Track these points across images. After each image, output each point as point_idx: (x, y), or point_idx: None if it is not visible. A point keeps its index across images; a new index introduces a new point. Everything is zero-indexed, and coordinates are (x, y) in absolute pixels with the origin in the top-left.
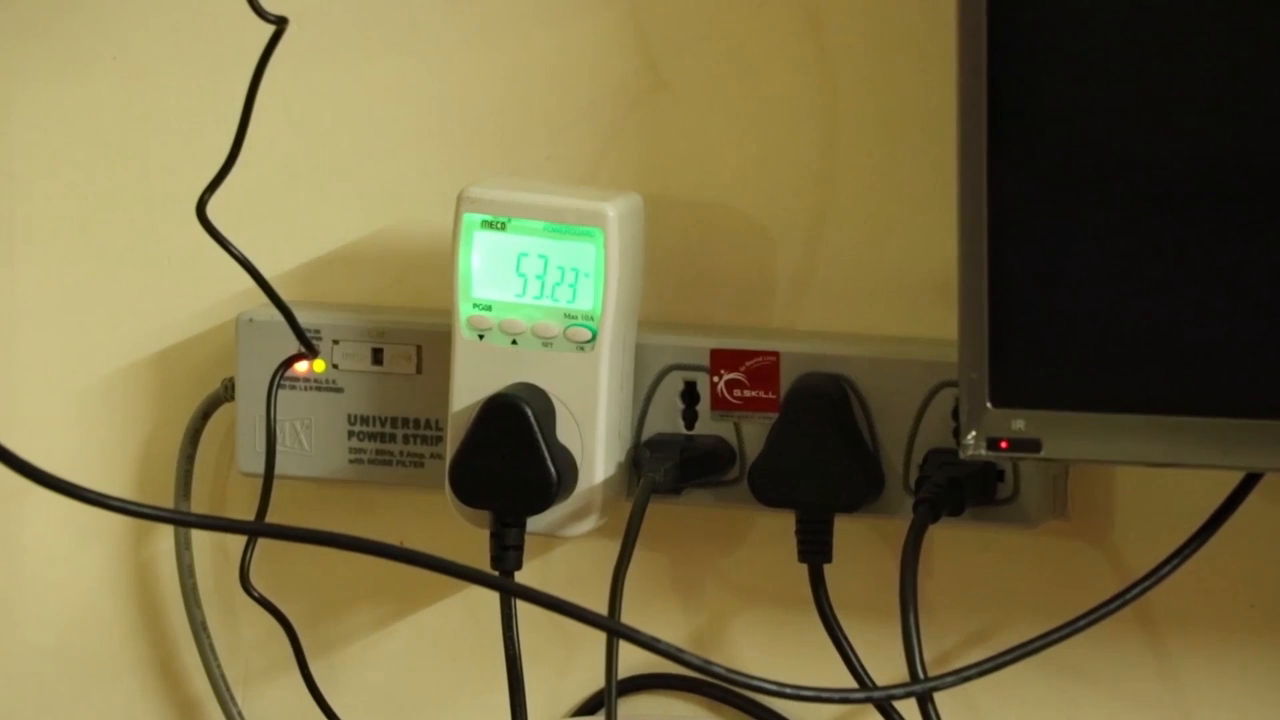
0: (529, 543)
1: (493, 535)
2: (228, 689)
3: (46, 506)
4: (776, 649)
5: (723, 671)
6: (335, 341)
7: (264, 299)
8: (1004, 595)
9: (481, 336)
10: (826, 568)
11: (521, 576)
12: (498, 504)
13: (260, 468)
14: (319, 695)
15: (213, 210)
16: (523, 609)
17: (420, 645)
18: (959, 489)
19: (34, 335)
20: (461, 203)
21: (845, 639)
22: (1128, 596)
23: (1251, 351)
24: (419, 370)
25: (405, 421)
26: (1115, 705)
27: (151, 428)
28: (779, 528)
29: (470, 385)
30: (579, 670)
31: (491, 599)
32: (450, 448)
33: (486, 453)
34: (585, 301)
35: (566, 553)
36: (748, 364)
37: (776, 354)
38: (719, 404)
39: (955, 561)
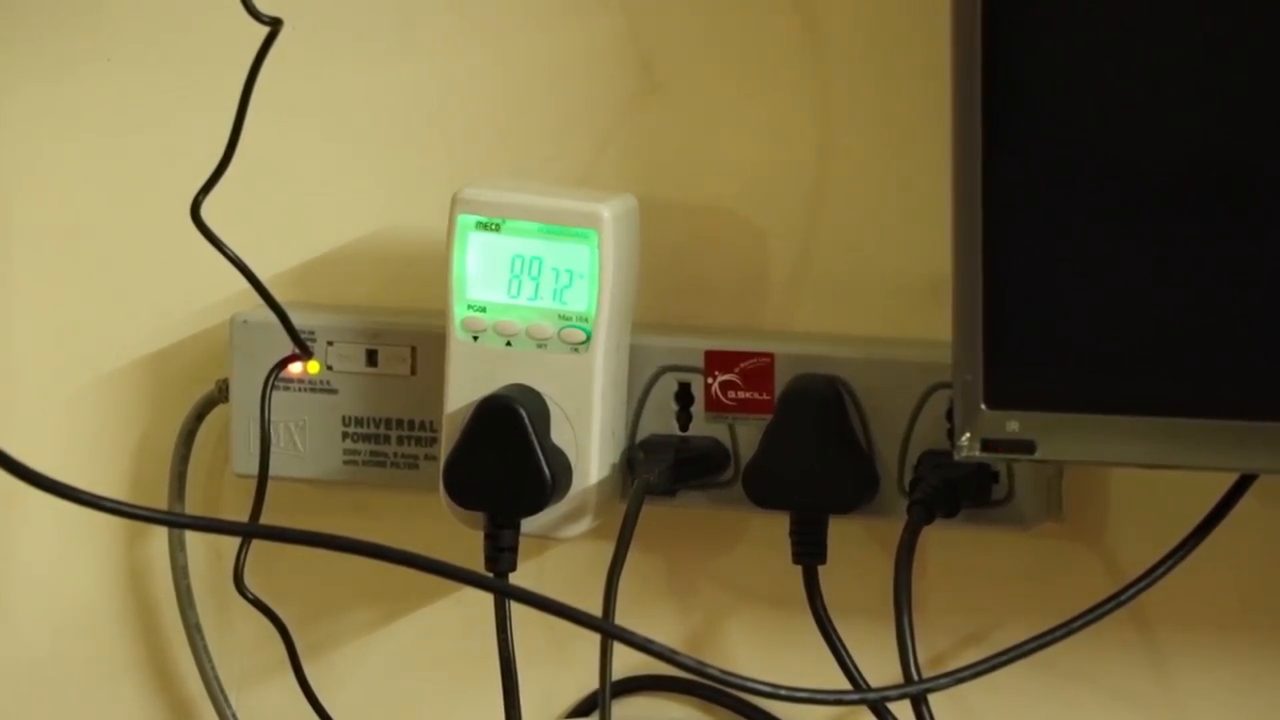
0: (523, 544)
1: (487, 537)
2: (221, 690)
3: (40, 508)
4: (771, 650)
5: (717, 673)
6: (330, 343)
7: (258, 300)
8: (998, 596)
9: (476, 338)
10: (821, 569)
11: (516, 578)
12: (492, 505)
13: (254, 469)
14: (313, 696)
15: (207, 211)
16: (517, 610)
17: (414, 647)
18: (953, 490)
19: (28, 336)
20: (456, 204)
21: (839, 640)
22: (1122, 598)
23: (1246, 353)
24: (413, 371)
25: (400, 423)
26: (1110, 706)
27: (145, 429)
28: (773, 529)
29: (465, 387)
30: (573, 672)
31: (486, 600)
32: (445, 449)
33: (481, 454)
34: (580, 303)
35: (561, 554)
36: (742, 365)
37: (771, 355)
38: (713, 405)
39: (950, 563)
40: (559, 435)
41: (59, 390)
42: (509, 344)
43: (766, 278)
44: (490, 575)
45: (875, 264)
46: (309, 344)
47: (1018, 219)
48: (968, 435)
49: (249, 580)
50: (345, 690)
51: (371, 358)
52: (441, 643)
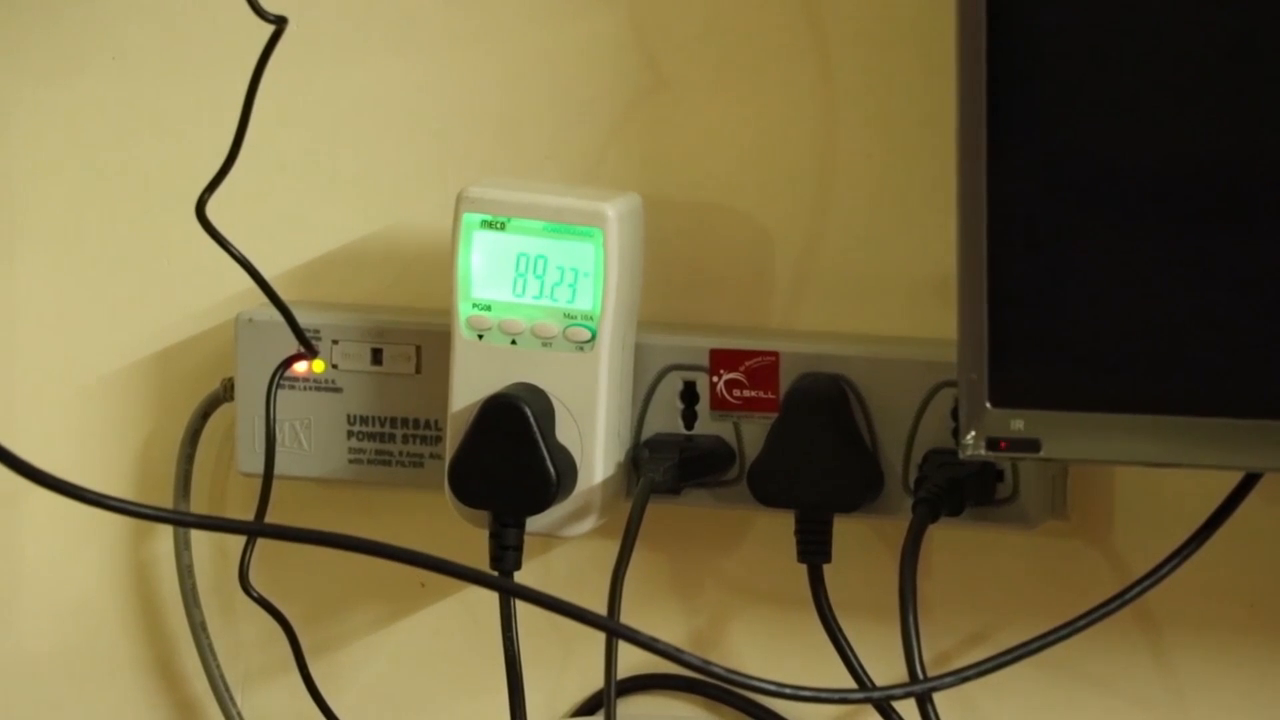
0: (528, 543)
1: (492, 535)
2: (227, 689)
3: (46, 506)
4: (775, 649)
5: (722, 672)
6: (334, 341)
7: (263, 299)
8: (1003, 595)
9: (481, 336)
10: (826, 568)
11: (521, 577)
12: (497, 504)
13: (259, 468)
14: (318, 695)
15: (212, 210)
16: (522, 609)
17: (419, 645)
18: (958, 489)
19: (34, 335)
20: (461, 202)
21: (844, 639)
22: (1127, 597)
23: (1250, 352)
24: (418, 370)
25: (404, 421)
26: (1114, 706)
27: (151, 428)
28: (778, 528)
29: (469, 385)
30: (578, 670)
31: (491, 599)
32: (449, 448)
33: (486, 453)
34: (585, 301)
35: (566, 553)
36: (747, 364)
37: (776, 354)
38: (718, 404)
39: (954, 562)
40: (564, 434)
41: (64, 389)
42: (514, 342)
43: (771, 276)
44: (495, 574)
45: (880, 262)
46: (314, 343)
47: (1022, 217)
48: (973, 434)
49: (254, 579)
50: (350, 689)
51: (376, 356)
52: (446, 641)
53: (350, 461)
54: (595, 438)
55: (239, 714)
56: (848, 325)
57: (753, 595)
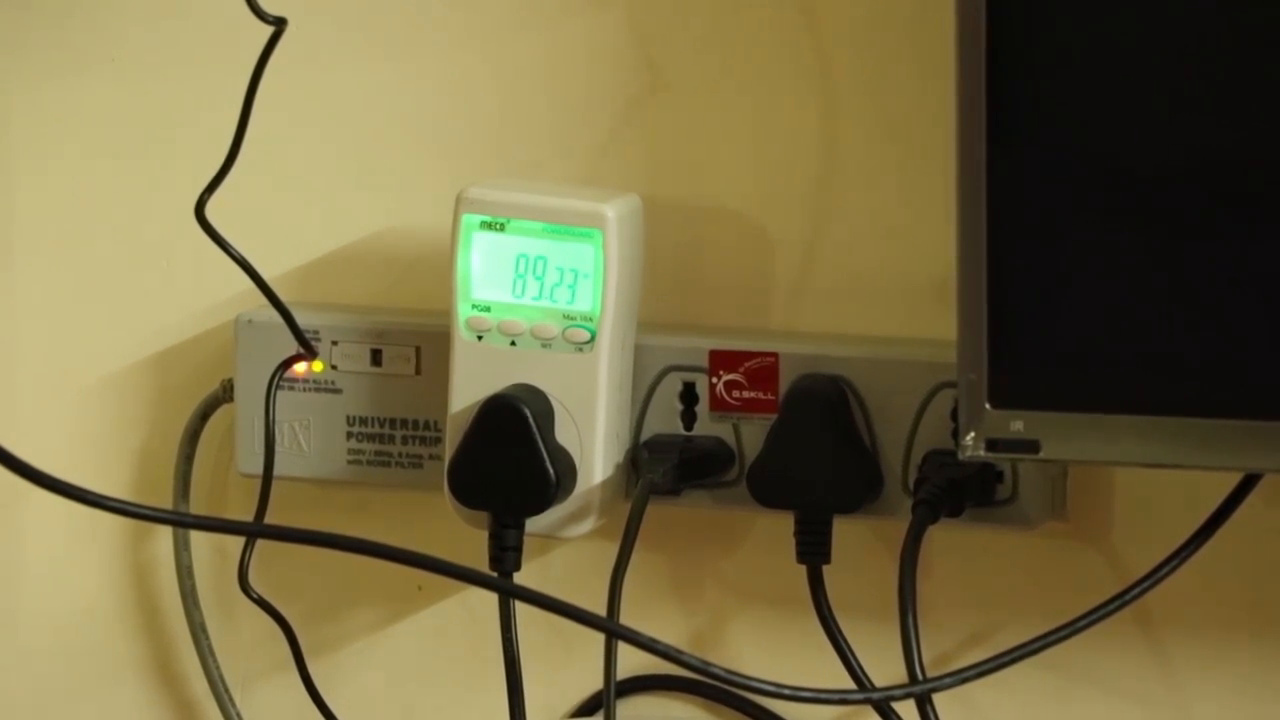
0: (528, 544)
1: (491, 536)
2: (226, 690)
3: (45, 507)
4: (775, 650)
5: (721, 672)
6: (334, 342)
7: (263, 300)
8: (1003, 596)
9: (480, 337)
10: (825, 569)
11: (520, 577)
12: (496, 505)
13: (259, 469)
14: (318, 696)
15: (211, 211)
16: (521, 610)
17: (419, 646)
18: (958, 490)
19: (33, 336)
20: (460, 203)
21: (844, 640)
22: (1127, 597)
23: (1250, 353)
24: (418, 371)
25: (404, 423)
26: (1114, 706)
27: (150, 429)
28: (778, 529)
29: (469, 386)
30: (578, 671)
31: (490, 600)
32: (449, 449)
33: (485, 454)
34: (584, 302)
35: (565, 554)
36: (746, 365)
37: (775, 355)
38: (718, 405)
39: (954, 562)
40: (563, 435)
41: (63, 390)
42: (513, 343)
43: (771, 277)
44: (495, 575)
45: (880, 264)
46: (313, 344)
47: (1022, 218)
48: (972, 435)
49: (254, 580)
50: (350, 690)
51: (376, 357)
52: (446, 642)
53: (349, 462)
54: (595, 438)
55: (238, 714)
56: (847, 326)
57: (752, 596)
